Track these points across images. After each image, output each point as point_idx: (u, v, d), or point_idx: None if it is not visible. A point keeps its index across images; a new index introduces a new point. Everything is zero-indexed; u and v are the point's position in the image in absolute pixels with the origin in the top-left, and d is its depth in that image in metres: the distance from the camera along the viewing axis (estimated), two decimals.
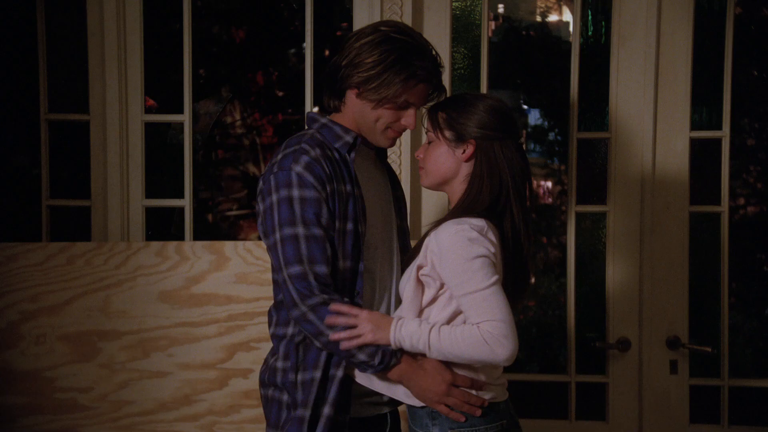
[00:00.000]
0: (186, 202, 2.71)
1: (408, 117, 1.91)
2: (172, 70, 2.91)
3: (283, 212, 1.80)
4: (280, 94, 5.37)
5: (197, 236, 2.75)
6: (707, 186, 2.78)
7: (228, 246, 2.52)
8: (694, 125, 2.67)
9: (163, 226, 3.56)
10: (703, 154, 2.76)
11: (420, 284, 1.83)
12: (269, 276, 2.49)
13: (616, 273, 2.68)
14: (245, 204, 5.59)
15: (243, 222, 5.62)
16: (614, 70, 2.68)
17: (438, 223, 1.84)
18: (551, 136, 5.11)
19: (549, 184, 5.29)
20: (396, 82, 1.83)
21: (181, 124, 2.74)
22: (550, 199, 5.23)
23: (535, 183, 5.41)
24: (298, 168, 1.81)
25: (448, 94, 2.00)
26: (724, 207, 2.68)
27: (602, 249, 2.74)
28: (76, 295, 2.48)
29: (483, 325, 1.72)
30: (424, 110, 1.97)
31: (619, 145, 2.68)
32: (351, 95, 1.90)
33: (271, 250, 1.85)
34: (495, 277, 1.73)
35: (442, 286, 1.81)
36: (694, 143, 2.67)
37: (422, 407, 1.84)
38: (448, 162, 1.88)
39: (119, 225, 2.67)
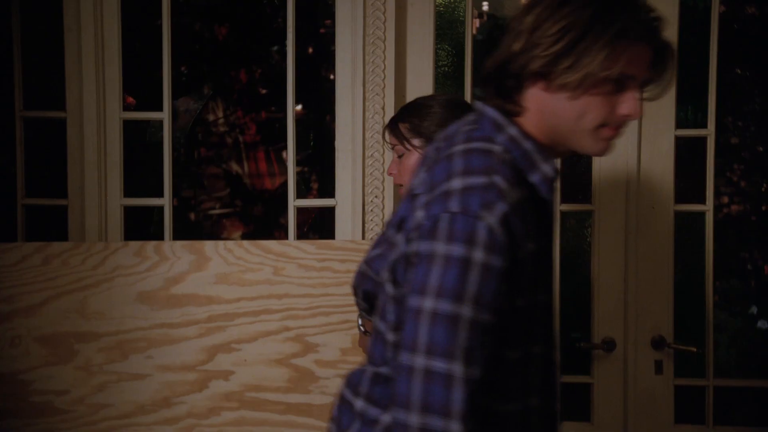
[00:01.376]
0: (165, 201, 2.66)
1: (628, 100, 1.33)
2: (152, 67, 2.87)
3: (450, 277, 1.22)
4: (263, 91, 5.33)
5: (179, 234, 2.71)
6: (692, 185, 2.77)
7: (208, 246, 2.48)
8: (679, 124, 2.66)
9: (142, 226, 3.51)
10: (687, 153, 2.75)
11: None
12: (251, 276, 2.46)
13: (600, 272, 2.66)
14: (228, 203, 5.54)
15: (226, 221, 5.58)
16: None
17: None
18: None
19: None
20: (599, 46, 1.27)
21: (160, 122, 2.70)
22: None
23: None
24: (491, 219, 1.23)
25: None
26: (709, 206, 2.66)
27: (587, 248, 2.72)
28: (53, 296, 2.43)
29: None
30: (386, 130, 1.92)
31: None
32: (536, 92, 1.35)
33: (406, 313, 1.27)
34: None
35: None
36: (679, 142, 2.66)
37: None
38: None
39: (97, 224, 2.62)
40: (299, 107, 4.91)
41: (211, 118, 5.40)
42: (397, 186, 1.93)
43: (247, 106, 5.37)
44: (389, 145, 1.91)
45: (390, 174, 1.91)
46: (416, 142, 1.84)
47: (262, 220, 5.32)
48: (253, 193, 5.50)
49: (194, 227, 5.35)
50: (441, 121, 1.82)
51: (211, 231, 5.44)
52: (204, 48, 4.95)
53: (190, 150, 5.31)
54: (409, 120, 1.85)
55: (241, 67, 5.18)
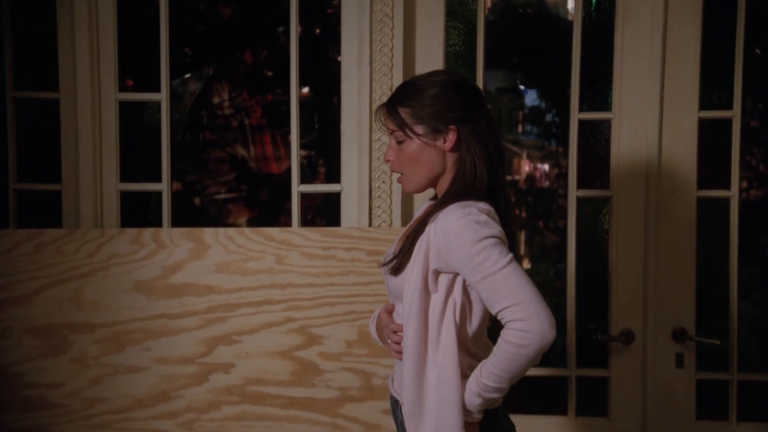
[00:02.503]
0: (164, 186, 2.55)
1: None
2: (153, 49, 2.77)
3: None
4: (269, 73, 5.21)
5: (184, 220, 2.61)
6: (714, 169, 2.64)
7: (208, 233, 2.38)
8: (701, 106, 2.53)
9: (139, 212, 3.42)
10: (709, 136, 2.62)
11: (435, 277, 1.69)
12: (252, 265, 2.37)
13: (619, 261, 2.55)
14: (233, 187, 5.45)
15: (231, 205, 5.48)
16: (618, 47, 2.53)
17: (436, 209, 1.70)
18: (548, 117, 4.98)
19: (546, 166, 5.16)
20: None
21: (159, 103, 2.58)
22: (547, 183, 5.10)
23: (531, 166, 5.29)
24: None
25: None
26: (734, 191, 2.54)
27: (604, 236, 2.61)
28: (46, 285, 2.34)
29: (507, 325, 1.58)
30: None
31: (623, 126, 2.53)
32: None
33: None
34: (510, 255, 1.61)
35: (455, 276, 1.68)
36: (702, 124, 2.53)
37: None
38: (432, 157, 1.73)
39: (92, 211, 2.52)
40: (306, 90, 4.80)
41: (216, 100, 5.30)
42: (396, 173, 1.81)
43: (253, 89, 5.25)
44: (386, 130, 1.79)
45: (387, 160, 1.79)
46: (420, 129, 1.72)
47: (268, 205, 5.22)
48: (259, 177, 5.40)
49: (199, 212, 5.27)
50: (444, 105, 1.71)
51: (217, 216, 5.35)
52: (208, 29, 4.84)
53: (195, 133, 5.22)
54: (409, 105, 1.72)
55: (246, 48, 5.07)
